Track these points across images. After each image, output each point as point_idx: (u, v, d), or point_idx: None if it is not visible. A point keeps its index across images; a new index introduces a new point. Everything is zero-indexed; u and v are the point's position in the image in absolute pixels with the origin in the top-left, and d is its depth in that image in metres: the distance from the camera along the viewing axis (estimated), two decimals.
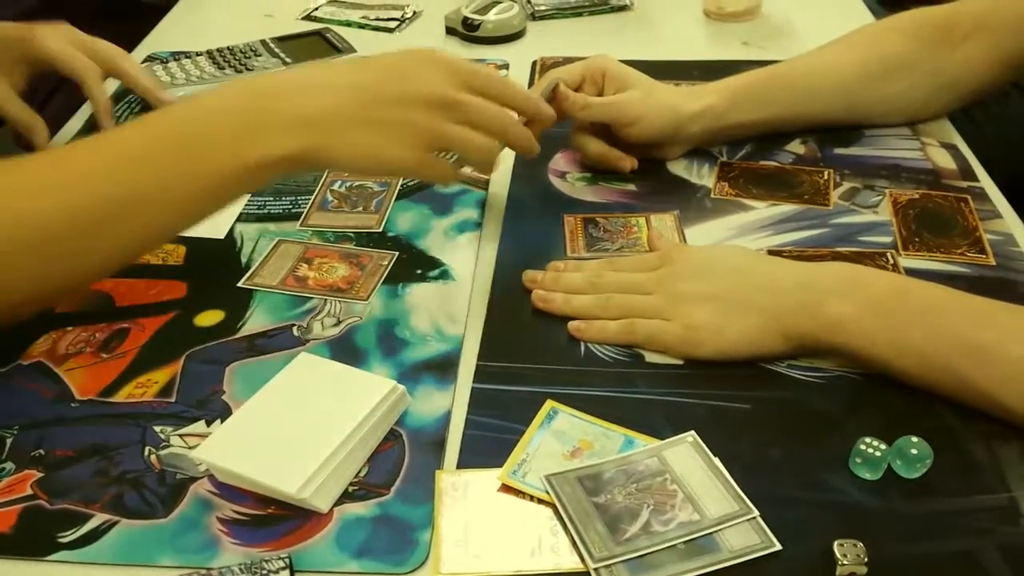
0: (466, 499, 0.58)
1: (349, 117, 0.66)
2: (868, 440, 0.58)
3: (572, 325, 0.70)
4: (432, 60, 0.69)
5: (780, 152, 0.90)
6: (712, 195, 0.84)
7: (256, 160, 0.64)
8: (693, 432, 0.61)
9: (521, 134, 0.74)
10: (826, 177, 0.86)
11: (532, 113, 0.76)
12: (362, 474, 0.59)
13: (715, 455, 0.59)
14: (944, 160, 0.88)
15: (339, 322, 0.71)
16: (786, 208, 0.82)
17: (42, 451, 0.62)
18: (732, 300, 0.67)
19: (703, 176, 0.87)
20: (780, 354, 0.66)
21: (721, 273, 0.69)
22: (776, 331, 0.66)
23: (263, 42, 1.07)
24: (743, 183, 0.86)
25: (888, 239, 0.78)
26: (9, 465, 0.61)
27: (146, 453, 0.61)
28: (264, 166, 0.64)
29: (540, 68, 1.05)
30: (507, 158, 0.91)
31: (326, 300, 0.73)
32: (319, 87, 0.67)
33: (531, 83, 1.03)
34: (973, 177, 0.86)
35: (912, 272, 0.74)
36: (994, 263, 0.75)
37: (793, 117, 0.89)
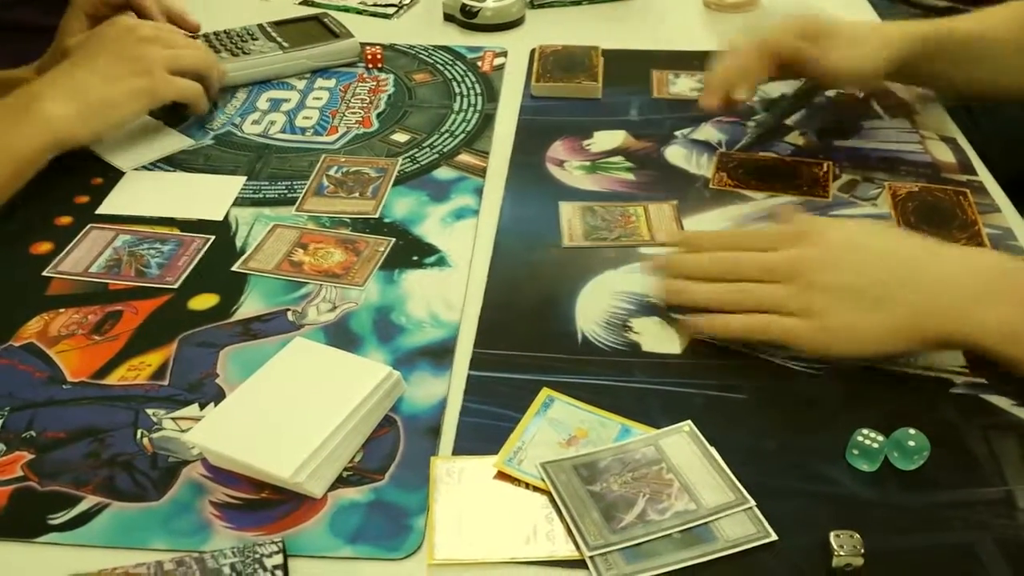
0: (461, 486, 0.57)
1: None
2: (865, 431, 0.58)
3: (693, 323, 0.67)
4: None
5: (779, 143, 0.90)
6: (711, 185, 0.84)
7: None
8: (690, 421, 0.60)
9: None
10: (825, 169, 0.86)
11: None
12: (357, 459, 0.59)
13: (712, 444, 0.59)
14: (943, 153, 0.88)
15: (334, 307, 0.71)
16: (785, 199, 0.82)
17: (33, 432, 0.61)
18: (872, 295, 0.63)
19: (702, 166, 0.87)
20: (914, 354, 0.64)
21: (864, 260, 0.65)
22: (915, 332, 0.62)
23: (260, 26, 1.06)
24: (742, 174, 0.85)
25: None
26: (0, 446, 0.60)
27: (138, 436, 0.61)
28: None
29: (539, 56, 1.04)
30: (505, 146, 0.91)
31: (321, 285, 0.73)
32: None
33: (530, 69, 1.02)
34: (972, 171, 0.86)
35: None
36: None
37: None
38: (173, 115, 0.93)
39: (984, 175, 0.85)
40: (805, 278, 0.65)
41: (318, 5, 1.18)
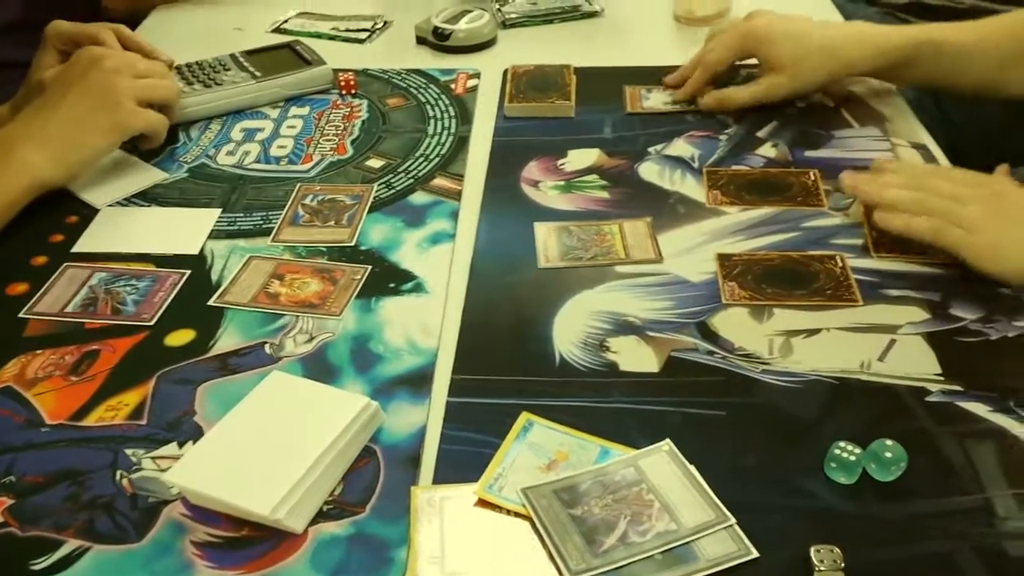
0: (442, 515, 0.57)
1: None
2: (843, 444, 0.58)
3: (877, 214, 0.74)
4: None
5: (751, 156, 0.90)
6: (707, 205, 0.84)
7: None
8: (669, 441, 0.60)
9: None
10: (813, 178, 0.86)
11: None
12: (337, 492, 0.59)
13: (691, 463, 0.59)
14: (914, 160, 0.89)
15: (312, 338, 0.71)
16: (756, 213, 0.82)
17: (12, 478, 0.61)
18: None
19: (675, 182, 0.87)
20: None
21: None
22: None
23: (232, 56, 1.06)
24: (734, 190, 0.85)
25: (859, 241, 0.78)
26: None
27: (117, 477, 0.61)
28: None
29: (511, 76, 1.05)
30: (480, 169, 0.91)
31: (298, 316, 0.73)
32: None
33: (503, 90, 1.03)
34: None
35: (884, 274, 0.75)
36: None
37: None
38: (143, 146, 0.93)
39: None
40: (993, 205, 0.73)
41: (290, 33, 1.18)
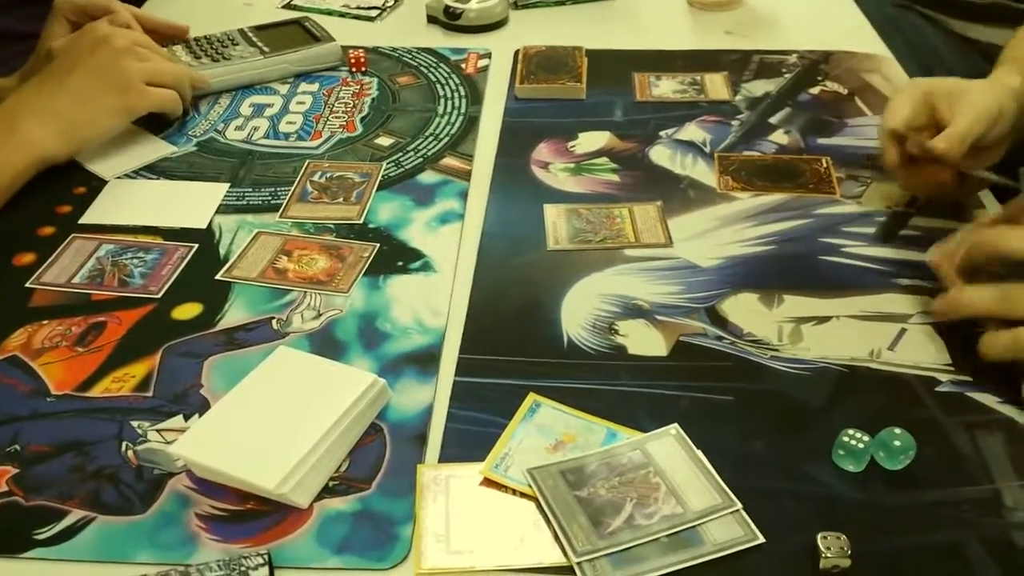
0: (448, 493, 0.57)
1: None
2: (851, 432, 0.58)
3: (983, 342, 0.63)
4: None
5: (763, 142, 0.90)
6: (718, 190, 0.83)
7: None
8: (676, 425, 0.60)
9: None
10: (825, 165, 0.86)
11: None
12: (343, 468, 0.59)
13: (698, 447, 0.59)
14: None
15: (319, 315, 0.70)
16: (768, 199, 0.82)
17: (18, 447, 0.61)
18: None
19: (686, 166, 0.87)
20: None
21: None
22: None
23: (241, 31, 1.06)
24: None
25: (870, 230, 0.78)
26: None
27: (123, 448, 0.60)
28: None
29: (523, 57, 1.04)
30: (489, 149, 0.90)
31: (306, 293, 0.73)
32: None
33: (514, 70, 1.02)
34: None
35: (895, 263, 0.74)
36: None
37: None
38: (151, 120, 0.93)
39: None
40: None
41: (300, 9, 1.18)
